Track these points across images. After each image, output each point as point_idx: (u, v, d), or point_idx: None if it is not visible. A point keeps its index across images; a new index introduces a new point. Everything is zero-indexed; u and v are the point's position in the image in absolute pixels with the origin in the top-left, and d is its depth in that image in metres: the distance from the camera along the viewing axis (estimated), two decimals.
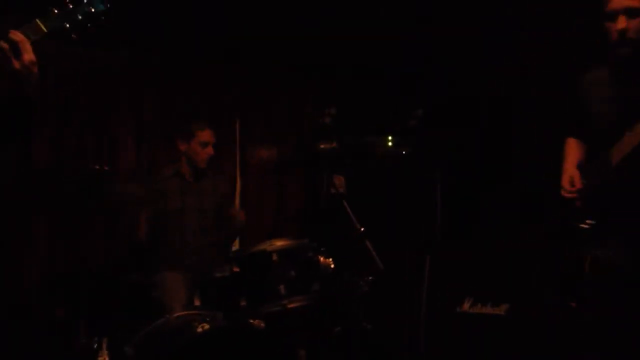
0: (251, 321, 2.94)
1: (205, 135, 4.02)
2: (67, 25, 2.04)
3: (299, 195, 5.10)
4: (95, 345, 3.03)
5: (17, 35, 1.91)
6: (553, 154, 2.97)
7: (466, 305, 4.23)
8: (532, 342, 3.90)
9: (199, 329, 2.87)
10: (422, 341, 4.27)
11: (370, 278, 3.22)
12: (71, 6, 2.06)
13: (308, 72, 5.10)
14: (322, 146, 3.93)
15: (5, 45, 1.89)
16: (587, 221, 2.62)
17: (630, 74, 2.52)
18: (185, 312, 3.08)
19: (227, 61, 4.92)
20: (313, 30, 4.72)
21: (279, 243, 3.15)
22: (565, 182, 2.68)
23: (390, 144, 4.82)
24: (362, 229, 3.32)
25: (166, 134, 4.33)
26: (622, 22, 2.43)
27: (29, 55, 1.91)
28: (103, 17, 2.06)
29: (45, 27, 1.99)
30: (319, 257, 3.18)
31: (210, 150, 4.03)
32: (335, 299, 3.23)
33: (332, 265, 3.18)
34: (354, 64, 5.11)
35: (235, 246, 3.91)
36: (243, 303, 3.02)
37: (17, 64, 1.91)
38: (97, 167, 3.18)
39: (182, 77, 4.81)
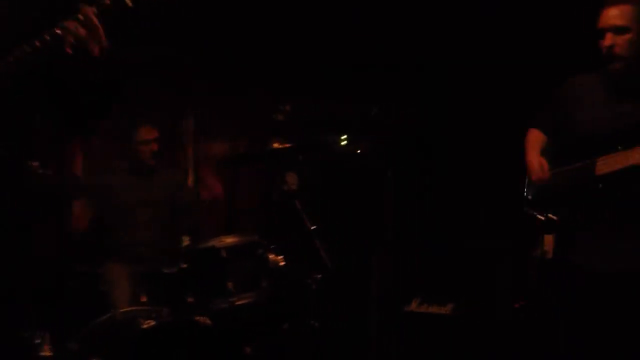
0: (197, 318, 2.92)
1: (144, 132, 3.98)
2: None
3: (252, 192, 5.08)
4: (38, 340, 2.96)
5: (85, 19, 1.80)
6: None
7: (414, 305, 4.28)
8: (479, 341, 3.98)
9: (145, 325, 2.84)
10: (371, 340, 4.31)
11: (319, 276, 3.23)
12: None
13: (264, 67, 5.09)
14: (275, 143, 3.93)
15: (73, 31, 1.78)
16: (548, 215, 2.68)
17: (624, 89, 2.61)
18: (131, 308, 3.05)
19: (183, 54, 4.87)
20: (270, 27, 4.72)
21: (229, 240, 3.15)
22: (536, 166, 2.72)
23: (344, 142, 4.85)
24: (312, 227, 3.32)
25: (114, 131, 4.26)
26: (609, 39, 2.54)
27: (99, 41, 1.81)
28: None
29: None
30: (269, 254, 3.18)
31: (154, 146, 3.99)
32: (283, 296, 3.23)
33: (282, 263, 3.18)
34: (312, 60, 5.11)
35: (186, 242, 3.87)
36: (190, 299, 3.00)
37: (67, 46, 1.80)
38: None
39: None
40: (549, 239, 2.77)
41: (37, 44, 1.78)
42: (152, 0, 1.92)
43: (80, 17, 1.79)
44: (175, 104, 4.95)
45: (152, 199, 3.97)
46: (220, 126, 5.07)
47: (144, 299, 3.13)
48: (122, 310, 3.03)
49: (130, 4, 1.84)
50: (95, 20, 1.80)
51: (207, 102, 5.06)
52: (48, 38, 1.78)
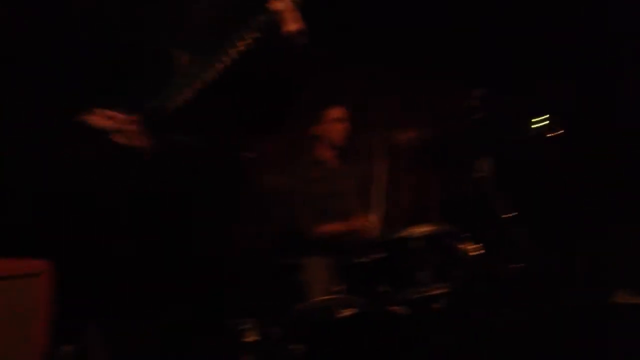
0: (393, 307, 2.94)
1: (336, 112, 4.03)
2: None
3: (443, 179, 4.99)
4: (244, 326, 3.16)
5: (279, 3, 1.81)
6: None
7: (621, 296, 3.96)
8: None
9: (342, 314, 2.91)
10: (574, 333, 4.06)
11: (518, 266, 3.11)
12: None
13: (451, 52, 4.96)
14: (466, 129, 3.84)
15: (268, 17, 1.80)
16: None
17: None
18: (328, 297, 3.14)
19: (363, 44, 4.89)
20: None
21: (421, 229, 3.12)
22: None
23: (540, 125, 4.61)
24: (509, 215, 3.19)
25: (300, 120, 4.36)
26: None
27: (294, 24, 1.82)
28: None
29: None
30: (463, 243, 3.11)
31: (344, 125, 4.03)
32: (479, 286, 3.15)
33: (477, 252, 3.10)
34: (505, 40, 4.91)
35: (376, 232, 3.89)
36: (384, 289, 3.02)
37: (283, 34, 1.81)
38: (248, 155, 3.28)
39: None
40: None
41: (253, 33, 1.82)
42: None
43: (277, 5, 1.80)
44: (361, 91, 4.98)
45: (340, 189, 4.02)
46: (409, 113, 5.03)
47: (338, 288, 3.21)
48: (318, 299, 3.12)
49: None
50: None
51: (394, 88, 5.04)
52: (262, 23, 1.81)
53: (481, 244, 3.14)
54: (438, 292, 2.95)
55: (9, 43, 2.88)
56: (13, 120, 2.72)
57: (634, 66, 4.70)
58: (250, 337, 3.10)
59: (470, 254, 3.05)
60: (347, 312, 2.94)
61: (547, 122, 4.58)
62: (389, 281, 3.05)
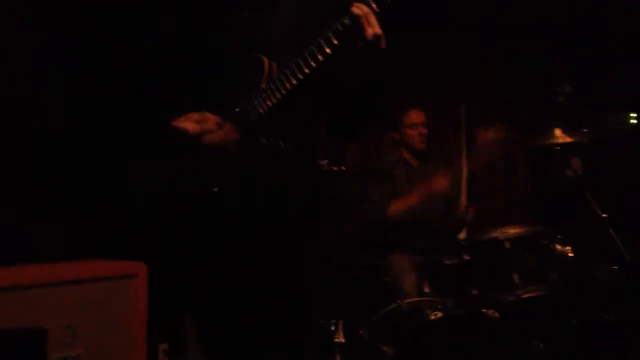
0: (485, 310, 2.87)
1: (412, 116, 3.97)
2: None
3: (529, 179, 4.86)
4: (333, 327, 3.15)
5: (360, 9, 1.79)
6: None
7: None
8: None
9: (432, 317, 2.86)
10: None
11: (613, 268, 2.99)
12: None
13: (537, 47, 4.82)
14: (556, 127, 3.72)
15: (348, 22, 1.79)
16: None
17: None
18: (417, 299, 3.09)
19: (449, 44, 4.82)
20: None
21: (512, 230, 3.05)
22: None
23: (634, 121, 4.43)
24: (604, 215, 3.08)
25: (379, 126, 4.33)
26: None
27: (372, 29, 1.78)
28: None
29: None
30: (556, 244, 3.02)
31: (422, 129, 3.97)
32: (573, 289, 3.05)
33: (570, 254, 3.00)
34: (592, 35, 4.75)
35: (463, 233, 3.82)
36: (475, 292, 2.96)
37: (361, 39, 1.79)
38: (334, 167, 3.28)
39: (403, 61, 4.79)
40: None
41: (335, 37, 1.81)
42: None
43: (356, 10, 1.80)
44: (445, 89, 4.91)
45: (427, 189, 3.95)
46: (494, 110, 4.92)
47: (427, 290, 3.16)
48: (408, 300, 3.08)
49: None
50: (360, 9, 1.79)
51: (479, 85, 4.94)
52: (345, 27, 1.80)
53: (576, 245, 3.04)
54: (533, 294, 2.86)
55: (104, 51, 2.98)
56: (114, 125, 2.81)
57: None
58: (339, 338, 3.10)
59: (566, 255, 2.95)
60: (436, 315, 2.89)
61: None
62: (480, 283, 2.98)
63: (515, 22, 4.70)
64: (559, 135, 3.59)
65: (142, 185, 2.15)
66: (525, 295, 2.87)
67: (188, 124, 1.93)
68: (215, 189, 1.91)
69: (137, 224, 2.32)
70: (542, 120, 4.34)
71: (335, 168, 3.32)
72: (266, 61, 1.95)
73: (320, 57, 1.83)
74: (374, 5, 1.81)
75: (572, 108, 3.75)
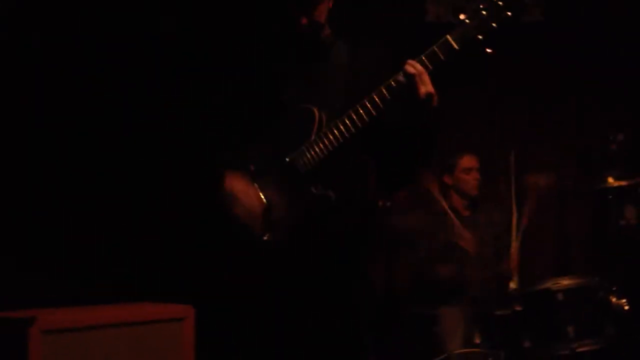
0: None
1: (467, 161, 3.95)
2: (480, 37, 1.86)
3: (583, 227, 4.75)
4: None
5: (414, 67, 1.85)
6: None
7: None
8: None
9: None
10: None
11: None
12: (484, 11, 1.85)
13: (592, 94, 4.76)
14: (609, 176, 3.67)
15: (402, 80, 1.84)
16: None
17: None
18: (467, 350, 3.04)
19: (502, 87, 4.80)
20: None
21: (566, 281, 2.98)
22: None
23: None
24: None
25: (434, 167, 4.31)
26: None
27: (425, 88, 1.84)
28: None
29: (456, 43, 1.84)
30: (611, 296, 2.94)
31: (476, 175, 3.95)
32: (630, 343, 2.96)
33: (626, 307, 2.91)
34: None
35: (515, 283, 3.75)
36: (527, 344, 2.90)
37: (414, 97, 1.84)
38: (380, 203, 3.28)
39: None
40: None
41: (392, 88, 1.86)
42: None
43: (410, 68, 1.84)
44: (497, 134, 4.87)
45: (476, 237, 3.92)
46: (545, 157, 4.85)
47: (477, 341, 3.10)
48: (457, 351, 3.03)
49: (456, 47, 1.85)
50: (414, 68, 1.84)
51: (530, 131, 4.88)
52: (398, 84, 1.86)
53: (632, 298, 2.95)
54: (588, 348, 2.78)
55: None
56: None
57: None
58: None
59: (622, 308, 2.86)
60: None
61: None
62: (532, 335, 2.91)
63: (569, 68, 4.67)
64: (612, 182, 3.54)
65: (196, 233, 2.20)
66: (580, 349, 2.79)
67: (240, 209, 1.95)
68: (266, 238, 1.93)
69: (191, 269, 2.36)
70: (596, 168, 4.25)
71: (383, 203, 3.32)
72: (317, 112, 1.97)
73: (373, 111, 1.86)
74: (428, 64, 1.84)
75: (626, 156, 3.69)
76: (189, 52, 3.05)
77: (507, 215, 4.14)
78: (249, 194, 1.96)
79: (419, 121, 1.94)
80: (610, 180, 3.48)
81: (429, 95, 1.84)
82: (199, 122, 2.20)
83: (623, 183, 3.40)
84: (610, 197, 3.73)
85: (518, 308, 3.01)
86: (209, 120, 2.14)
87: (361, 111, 1.88)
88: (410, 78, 1.83)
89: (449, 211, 3.99)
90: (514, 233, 4.05)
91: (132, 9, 3.05)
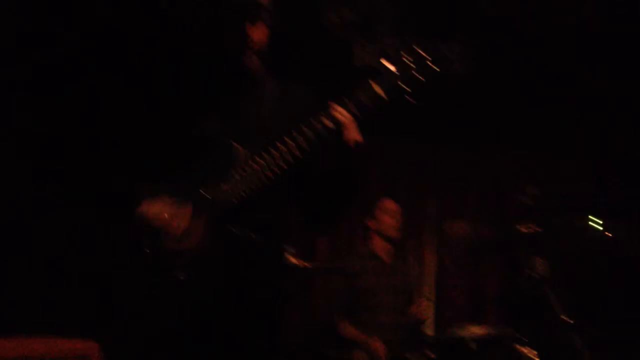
0: None
1: (389, 204, 4.01)
2: (403, 86, 1.88)
3: (496, 278, 4.87)
4: None
5: (341, 114, 1.86)
6: None
7: None
8: None
9: None
10: None
11: None
12: (408, 61, 1.88)
13: (507, 148, 4.94)
14: (522, 228, 3.78)
15: (329, 125, 1.85)
16: None
17: None
18: None
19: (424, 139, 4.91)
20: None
21: (479, 330, 3.01)
22: None
23: (598, 227, 4.49)
24: (569, 320, 3.07)
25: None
26: None
27: (352, 135, 1.86)
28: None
29: (379, 89, 1.87)
30: (522, 348, 2.99)
31: (398, 217, 3.99)
32: None
33: (537, 359, 2.97)
34: (558, 139, 4.88)
35: (430, 329, 3.77)
36: None
37: (340, 143, 1.86)
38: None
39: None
40: None
41: (311, 131, 1.86)
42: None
43: (337, 114, 1.86)
44: (418, 184, 4.96)
45: (393, 284, 3.94)
46: (463, 208, 4.98)
47: None
48: None
49: (385, 97, 1.87)
50: (341, 115, 1.85)
51: (450, 183, 5.01)
52: (325, 128, 1.85)
53: (541, 350, 3.01)
54: None
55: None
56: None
57: None
58: None
59: (535, 359, 2.91)
60: None
61: (604, 224, 4.48)
62: None
63: (485, 122, 4.83)
64: (523, 232, 3.63)
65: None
66: None
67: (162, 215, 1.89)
68: (182, 277, 1.87)
69: (98, 302, 2.26)
70: (509, 219, 4.38)
71: (301, 263, 3.29)
72: (241, 149, 1.94)
73: (295, 152, 1.85)
74: (355, 111, 1.85)
75: (538, 209, 3.80)
76: (107, 80, 2.98)
77: (422, 263, 4.20)
78: (168, 224, 1.90)
79: (344, 166, 1.94)
80: (523, 229, 3.57)
81: (355, 142, 1.85)
82: (116, 153, 2.13)
83: (533, 233, 3.48)
84: (521, 248, 3.82)
85: (431, 355, 3.01)
86: (126, 152, 2.08)
87: (285, 152, 1.86)
88: (337, 123, 1.84)
89: (369, 256, 4.01)
90: (427, 279, 4.10)
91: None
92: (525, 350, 2.95)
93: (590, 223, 4.37)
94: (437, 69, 1.89)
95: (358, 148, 1.87)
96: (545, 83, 4.49)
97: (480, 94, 4.53)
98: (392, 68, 1.88)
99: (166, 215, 1.89)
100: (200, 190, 1.91)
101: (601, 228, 4.07)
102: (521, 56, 4.37)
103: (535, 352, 2.95)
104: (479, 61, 4.46)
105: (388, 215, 3.98)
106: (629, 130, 4.72)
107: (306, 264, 3.30)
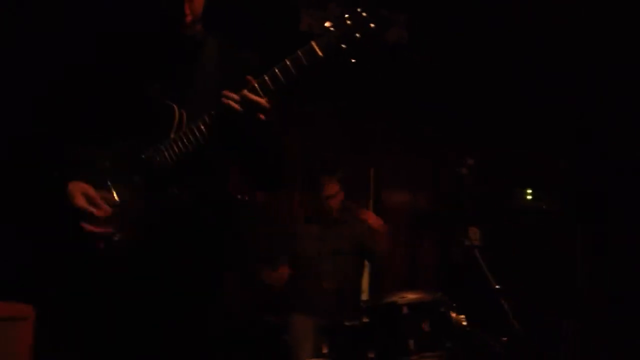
0: None
1: (330, 188, 4.02)
2: (344, 47, 1.88)
3: (433, 247, 4.99)
4: None
5: (250, 96, 1.85)
6: None
7: None
8: None
9: None
10: None
11: (504, 339, 3.07)
12: (349, 21, 1.88)
13: (447, 120, 5.02)
14: (458, 198, 3.86)
15: (237, 108, 1.85)
16: None
17: None
18: (313, 359, 3.07)
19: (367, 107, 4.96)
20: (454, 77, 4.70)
21: (411, 296, 3.09)
22: None
23: (530, 197, 4.65)
24: (497, 286, 3.18)
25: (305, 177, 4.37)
26: None
27: (265, 116, 1.88)
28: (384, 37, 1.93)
29: (320, 50, 1.85)
30: (452, 313, 3.08)
31: (336, 201, 4.02)
32: (467, 357, 3.11)
33: (465, 323, 3.07)
34: (497, 111, 4.99)
35: (365, 295, 3.84)
36: (371, 355, 2.97)
37: (251, 123, 1.88)
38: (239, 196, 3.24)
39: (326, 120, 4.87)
40: None
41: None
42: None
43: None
44: (358, 156, 5.01)
45: (337, 248, 3.97)
46: (401, 179, 5.06)
47: (325, 351, 3.14)
48: None
49: (320, 53, 1.87)
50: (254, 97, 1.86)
51: (388, 155, 5.08)
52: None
53: (470, 315, 3.11)
54: None
55: None
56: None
57: None
58: None
59: (460, 323, 3.01)
60: None
61: (535, 194, 4.63)
62: (376, 347, 2.99)
63: (428, 91, 4.90)
64: (459, 204, 3.73)
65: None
66: None
67: (80, 199, 1.88)
68: (117, 238, 1.87)
69: (36, 267, 2.23)
70: (446, 190, 4.48)
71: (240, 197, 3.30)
72: (177, 110, 1.93)
73: (227, 117, 1.86)
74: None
75: (474, 180, 3.89)
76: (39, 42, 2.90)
77: (357, 231, 4.24)
78: (97, 196, 1.89)
79: (259, 138, 1.96)
80: (458, 198, 3.67)
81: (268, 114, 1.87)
82: (48, 117, 2.08)
83: (468, 197, 3.58)
84: (457, 218, 3.92)
85: (366, 320, 3.07)
86: (59, 115, 2.04)
87: (216, 116, 1.87)
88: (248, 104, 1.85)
89: (301, 222, 4.05)
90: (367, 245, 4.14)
91: None
92: (455, 314, 3.04)
93: (521, 193, 4.51)
94: (379, 33, 1.90)
95: (269, 116, 1.89)
96: (477, 50, 4.59)
97: (421, 64, 4.59)
98: (332, 29, 1.88)
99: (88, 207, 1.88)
100: (138, 152, 1.91)
101: (530, 198, 4.21)
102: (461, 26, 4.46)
103: (464, 317, 3.04)
104: (422, 31, 4.55)
105: (329, 198, 4.01)
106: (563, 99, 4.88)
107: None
